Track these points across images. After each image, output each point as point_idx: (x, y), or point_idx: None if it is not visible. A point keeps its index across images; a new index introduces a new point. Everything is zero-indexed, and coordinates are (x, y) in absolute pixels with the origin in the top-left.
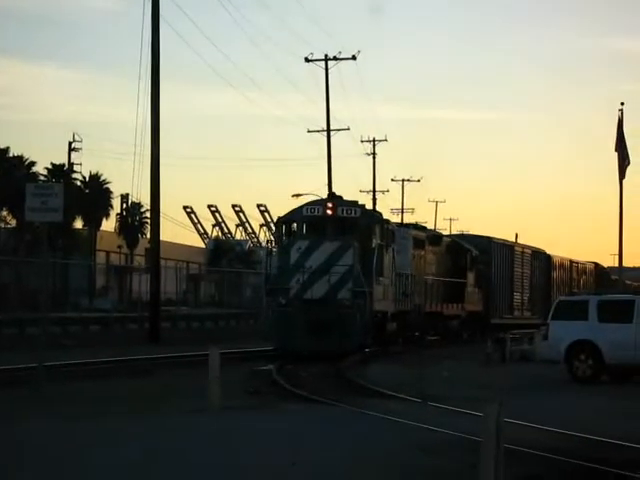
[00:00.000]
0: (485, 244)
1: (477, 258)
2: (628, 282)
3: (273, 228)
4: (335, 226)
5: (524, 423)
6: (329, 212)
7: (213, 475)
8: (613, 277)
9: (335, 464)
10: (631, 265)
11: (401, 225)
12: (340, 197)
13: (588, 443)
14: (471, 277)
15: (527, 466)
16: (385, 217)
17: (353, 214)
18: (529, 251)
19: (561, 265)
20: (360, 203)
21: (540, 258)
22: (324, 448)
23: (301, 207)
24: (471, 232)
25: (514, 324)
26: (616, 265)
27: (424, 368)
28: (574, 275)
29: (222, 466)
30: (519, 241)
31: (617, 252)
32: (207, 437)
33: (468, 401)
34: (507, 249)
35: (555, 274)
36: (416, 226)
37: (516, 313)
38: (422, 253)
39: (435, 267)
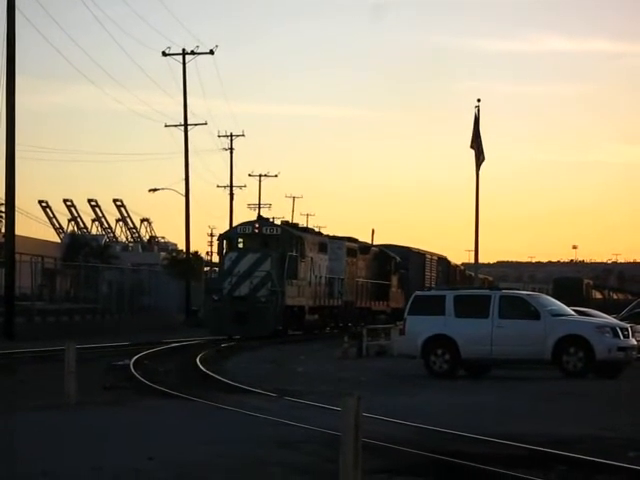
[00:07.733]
0: (405, 253)
1: (399, 264)
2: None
3: (130, 223)
4: (260, 241)
5: (379, 417)
6: (256, 230)
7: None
8: (468, 273)
9: (191, 459)
10: (484, 261)
11: (337, 238)
12: (267, 219)
13: (442, 437)
14: (395, 280)
15: (383, 459)
16: (325, 233)
17: (275, 232)
18: (435, 258)
19: (456, 268)
20: (293, 223)
21: (443, 264)
22: (180, 443)
23: (237, 226)
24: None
25: None
26: (467, 261)
27: (282, 363)
28: (459, 277)
29: (74, 463)
30: (375, 236)
31: (472, 248)
32: (59, 433)
33: (323, 396)
34: (421, 257)
35: (452, 276)
36: (350, 239)
37: None
38: (354, 260)
39: (365, 271)
